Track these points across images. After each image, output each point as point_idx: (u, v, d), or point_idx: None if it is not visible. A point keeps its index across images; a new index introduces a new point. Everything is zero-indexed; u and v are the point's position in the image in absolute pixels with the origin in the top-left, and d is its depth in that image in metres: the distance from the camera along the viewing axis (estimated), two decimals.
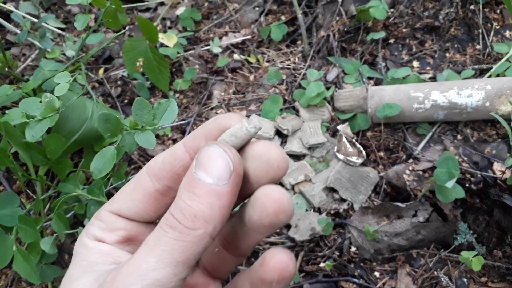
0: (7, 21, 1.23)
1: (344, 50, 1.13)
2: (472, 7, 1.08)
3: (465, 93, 0.88)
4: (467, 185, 0.84)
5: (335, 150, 0.93)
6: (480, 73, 1.00)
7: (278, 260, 0.25)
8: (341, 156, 0.92)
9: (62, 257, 0.89)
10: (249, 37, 1.23)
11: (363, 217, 0.84)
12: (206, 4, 1.33)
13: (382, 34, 1.06)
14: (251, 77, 1.14)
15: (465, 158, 0.89)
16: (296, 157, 0.97)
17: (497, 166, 0.86)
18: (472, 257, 0.72)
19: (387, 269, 0.82)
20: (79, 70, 0.82)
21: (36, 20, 1.12)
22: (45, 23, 1.15)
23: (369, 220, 0.84)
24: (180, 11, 1.29)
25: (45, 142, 0.78)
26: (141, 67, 0.99)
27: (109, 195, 0.85)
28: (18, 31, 1.23)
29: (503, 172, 0.83)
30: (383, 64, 1.07)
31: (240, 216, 0.27)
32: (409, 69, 1.00)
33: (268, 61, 1.18)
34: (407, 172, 0.89)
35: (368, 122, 0.96)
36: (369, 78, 1.05)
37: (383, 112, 0.89)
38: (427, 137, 0.94)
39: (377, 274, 0.81)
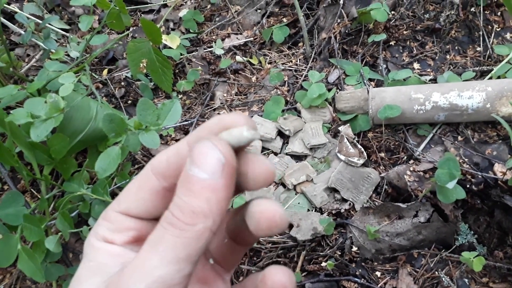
0: (11, 22, 1.24)
1: (346, 52, 1.13)
2: (472, 9, 1.09)
3: (466, 95, 0.88)
4: (468, 186, 0.84)
5: (337, 150, 0.94)
6: (481, 75, 1.01)
7: (277, 280, 0.26)
8: (342, 157, 0.92)
9: (67, 255, 0.89)
10: (251, 39, 1.24)
11: (364, 217, 0.85)
12: (208, 6, 1.34)
13: (383, 36, 1.07)
14: (253, 79, 1.15)
15: (466, 159, 0.89)
16: (298, 157, 0.98)
17: (498, 167, 0.86)
18: (473, 258, 0.73)
19: (388, 269, 0.82)
20: (84, 71, 0.83)
21: (40, 21, 1.13)
22: (49, 24, 1.16)
23: (370, 220, 0.84)
24: (183, 13, 1.30)
25: (49, 142, 0.78)
26: (144, 68, 1.00)
27: (113, 195, 0.86)
28: (22, 32, 1.24)
29: (504, 173, 0.84)
30: (384, 66, 1.07)
31: (241, 216, 0.28)
32: (410, 70, 1.01)
33: (270, 63, 1.18)
34: (408, 172, 0.89)
35: (369, 123, 0.96)
36: (370, 79, 1.06)
37: (384, 113, 0.90)
38: (428, 138, 0.95)
39: (378, 273, 0.82)
